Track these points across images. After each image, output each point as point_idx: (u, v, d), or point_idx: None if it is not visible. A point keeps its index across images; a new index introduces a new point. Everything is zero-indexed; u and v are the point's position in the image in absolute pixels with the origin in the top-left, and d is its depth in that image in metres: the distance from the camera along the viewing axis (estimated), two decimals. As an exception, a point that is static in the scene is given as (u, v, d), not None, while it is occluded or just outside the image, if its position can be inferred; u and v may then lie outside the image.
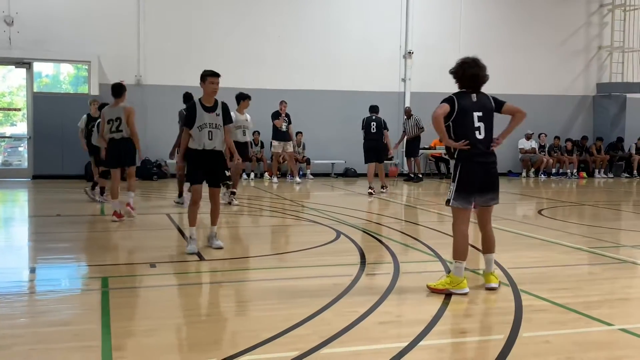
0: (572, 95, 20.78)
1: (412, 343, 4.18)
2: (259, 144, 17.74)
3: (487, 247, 5.77)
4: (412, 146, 17.46)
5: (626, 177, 20.26)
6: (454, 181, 5.48)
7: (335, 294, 5.37)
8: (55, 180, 15.71)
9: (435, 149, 18.74)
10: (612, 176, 20.24)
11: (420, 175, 17.59)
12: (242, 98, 12.14)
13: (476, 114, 5.42)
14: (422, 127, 17.23)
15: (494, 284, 5.60)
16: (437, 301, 5.17)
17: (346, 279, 5.88)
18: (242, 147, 10.95)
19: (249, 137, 12.04)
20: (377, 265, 6.62)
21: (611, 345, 4.27)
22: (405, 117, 17.57)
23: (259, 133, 17.37)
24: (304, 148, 17.92)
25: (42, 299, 5.46)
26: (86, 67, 17.00)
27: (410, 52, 19.00)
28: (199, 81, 7.47)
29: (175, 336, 4.35)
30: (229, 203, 11.35)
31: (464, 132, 5.41)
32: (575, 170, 19.95)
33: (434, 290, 5.39)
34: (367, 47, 18.60)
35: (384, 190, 13.87)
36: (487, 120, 5.47)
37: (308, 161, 17.83)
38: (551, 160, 19.66)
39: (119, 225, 9.19)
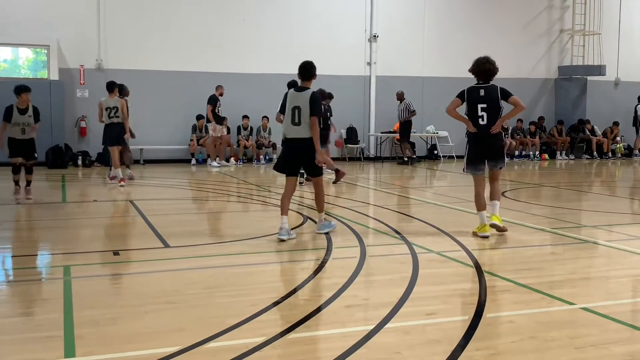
0: (534, 78, 21.05)
1: (378, 325, 4.20)
2: (267, 130, 17.66)
3: (493, 195, 7.38)
4: (404, 130, 17.47)
5: (587, 158, 20.67)
6: (465, 156, 7.42)
7: (302, 278, 5.37)
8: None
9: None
10: (574, 158, 20.63)
11: (415, 157, 17.73)
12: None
13: (480, 106, 7.12)
14: (414, 111, 17.31)
15: (496, 222, 7.17)
16: (403, 284, 5.20)
17: (313, 263, 5.89)
18: None
19: None
20: (343, 249, 6.63)
21: (573, 324, 4.36)
22: (397, 101, 17.54)
23: (267, 119, 17.38)
24: (270, 133, 17.83)
25: (1, 289, 5.34)
26: (45, 51, 16.57)
27: (375, 36, 18.98)
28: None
29: (139, 324, 4.29)
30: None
31: (470, 119, 7.22)
32: (537, 153, 20.27)
33: (474, 234, 7.18)
34: (333, 31, 18.52)
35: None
36: (492, 109, 7.12)
37: (274, 146, 17.75)
38: (514, 143, 19.94)
39: (81, 213, 9.04)
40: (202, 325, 4.20)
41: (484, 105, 7.12)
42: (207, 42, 17.38)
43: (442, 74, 19.15)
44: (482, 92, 7.15)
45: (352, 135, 19.02)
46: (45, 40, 16.16)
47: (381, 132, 19.09)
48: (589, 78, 21.11)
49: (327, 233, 7.28)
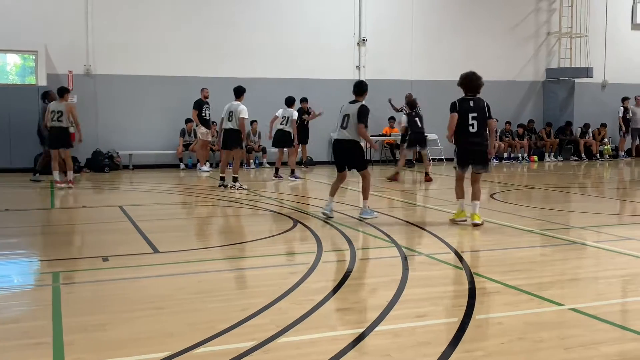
0: (522, 80, 21.16)
1: (368, 328, 4.21)
2: (257, 134, 17.68)
3: (474, 195, 8.23)
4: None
5: (575, 160, 20.80)
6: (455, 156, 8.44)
7: (292, 282, 5.37)
8: (3, 174, 15.22)
9: (390, 135, 18.86)
10: (562, 159, 20.75)
11: (413, 162, 17.78)
12: (244, 91, 12.52)
13: (471, 115, 8.02)
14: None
15: (477, 221, 7.97)
16: (393, 286, 5.21)
17: (303, 267, 5.88)
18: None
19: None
20: (333, 252, 6.63)
21: (562, 325, 4.38)
22: (406, 106, 16.46)
23: (257, 123, 17.51)
24: (259, 137, 17.81)
25: (-10, 296, 5.30)
26: (33, 57, 16.49)
27: (364, 40, 19.03)
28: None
29: (129, 330, 4.28)
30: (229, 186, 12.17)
31: (461, 127, 8.07)
32: (526, 155, 20.37)
33: (452, 220, 8.29)
34: (322, 35, 18.55)
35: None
36: (481, 119, 8.06)
37: (264, 150, 17.74)
38: (503, 145, 20.03)
39: (70, 219, 8.99)
40: (192, 331, 4.19)
41: (475, 114, 8.01)
42: (195, 46, 17.35)
43: (431, 77, 19.22)
44: (471, 103, 8.07)
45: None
46: (33, 46, 16.06)
47: (371, 136, 19.06)
48: (577, 80, 21.25)
49: (364, 220, 8.45)
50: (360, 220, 8.53)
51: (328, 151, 18.92)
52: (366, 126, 8.52)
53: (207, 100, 16.14)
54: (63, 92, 12.71)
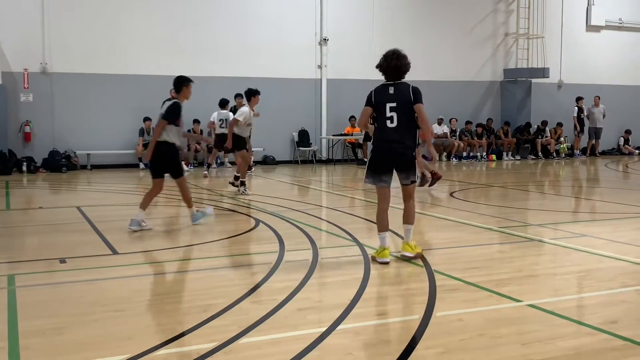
0: (480, 80, 21.49)
1: (330, 327, 4.21)
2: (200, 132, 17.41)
3: (406, 218, 6.27)
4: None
5: (532, 158, 21.21)
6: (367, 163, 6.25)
7: (254, 282, 5.35)
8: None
9: (352, 135, 18.93)
10: (519, 158, 21.14)
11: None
12: (253, 94, 11.57)
13: (389, 105, 6.00)
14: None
15: (408, 253, 6.12)
16: (354, 285, 5.24)
17: (265, 267, 5.86)
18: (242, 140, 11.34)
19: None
20: (296, 252, 6.62)
21: (521, 320, 4.46)
22: None
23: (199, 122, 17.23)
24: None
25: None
26: (-14, 54, 16.05)
27: (325, 39, 19.06)
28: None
29: (87, 333, 4.20)
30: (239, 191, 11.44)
31: (377, 122, 6.13)
32: (484, 153, 20.69)
33: (373, 259, 6.07)
34: (283, 34, 18.52)
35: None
36: (402, 110, 5.99)
37: (225, 149, 17.60)
38: (462, 144, 20.31)
39: (26, 220, 8.78)
40: (152, 333, 4.14)
41: (393, 105, 6.00)
42: (156, 44, 17.14)
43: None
44: (391, 90, 6.07)
45: (304, 138, 19.04)
46: (-15, 43, 15.66)
47: (333, 135, 19.17)
48: (533, 80, 21.68)
49: (198, 224, 8.04)
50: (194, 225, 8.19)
51: (291, 150, 18.92)
52: (173, 122, 7.77)
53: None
54: None
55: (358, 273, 5.65)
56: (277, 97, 18.14)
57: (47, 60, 16.28)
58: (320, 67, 19.23)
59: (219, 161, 17.64)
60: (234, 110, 14.70)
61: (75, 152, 16.40)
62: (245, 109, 11.37)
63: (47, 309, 4.74)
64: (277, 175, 15.80)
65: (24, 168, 15.70)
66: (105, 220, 8.66)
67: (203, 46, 17.64)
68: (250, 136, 11.97)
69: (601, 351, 3.87)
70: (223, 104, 15.10)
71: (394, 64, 6.08)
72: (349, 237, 7.35)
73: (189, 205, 8.26)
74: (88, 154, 16.55)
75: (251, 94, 11.49)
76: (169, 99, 8.21)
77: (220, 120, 14.75)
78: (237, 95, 14.77)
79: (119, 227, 8.18)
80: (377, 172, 6.07)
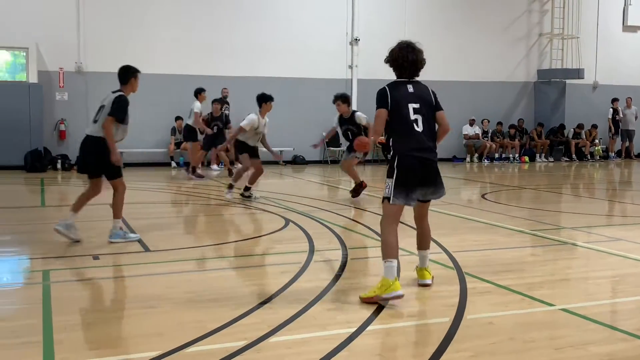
0: (514, 81, 21.24)
1: (360, 328, 4.21)
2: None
3: (423, 243, 5.41)
4: None
5: (566, 160, 20.90)
6: (390, 176, 4.94)
7: (284, 281, 5.36)
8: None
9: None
10: (553, 160, 20.84)
11: None
12: (265, 100, 10.54)
13: (412, 106, 4.98)
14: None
15: (427, 280, 5.31)
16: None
17: (295, 266, 5.88)
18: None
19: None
20: (325, 252, 6.63)
21: (552, 325, 4.40)
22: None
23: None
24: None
25: (-21, 294, 5.26)
26: (24, 53, 16.39)
27: (356, 39, 19.04)
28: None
29: (119, 329, 4.26)
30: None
31: (399, 126, 4.97)
32: (517, 155, 20.45)
33: (366, 301, 4.76)
34: (314, 34, 18.55)
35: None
36: (427, 113, 5.02)
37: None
38: (494, 146, 20.10)
39: (61, 217, 8.91)
40: (182, 330, 4.18)
41: (416, 106, 4.99)
42: (186, 45, 17.31)
43: (423, 77, 19.19)
44: (410, 89, 5.10)
45: (334, 138, 18.96)
46: (24, 43, 15.98)
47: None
48: (568, 81, 21.35)
49: (114, 242, 6.93)
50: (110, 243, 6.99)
51: (320, 150, 18.92)
52: (121, 120, 7.03)
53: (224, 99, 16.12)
54: None
55: (387, 274, 5.61)
56: (307, 97, 18.19)
57: (82, 60, 16.56)
58: (350, 67, 19.22)
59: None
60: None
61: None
62: (252, 117, 10.43)
63: (81, 305, 4.83)
64: (306, 175, 15.83)
65: (59, 165, 16.00)
66: (137, 217, 8.77)
67: (234, 47, 17.77)
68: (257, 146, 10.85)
69: (635, 358, 3.80)
70: (195, 93, 14.39)
71: (411, 57, 5.11)
72: (379, 238, 7.31)
73: (116, 216, 7.20)
74: (121, 152, 16.72)
75: (263, 100, 10.43)
76: (115, 91, 7.45)
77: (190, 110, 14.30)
78: (199, 91, 14.27)
79: (151, 224, 8.29)
80: (409, 188, 4.90)
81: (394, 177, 4.90)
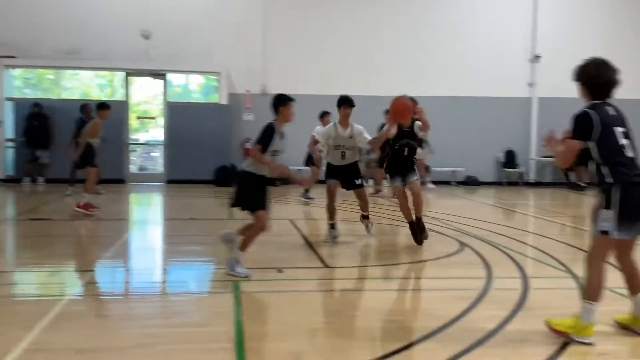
0: None
1: (545, 363, 4.03)
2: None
3: (635, 285, 4.73)
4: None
5: None
6: (608, 207, 4.39)
7: (462, 308, 5.27)
8: (187, 185, 16.48)
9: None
10: None
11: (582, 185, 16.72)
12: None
13: (620, 130, 4.51)
14: None
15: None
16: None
17: (473, 292, 5.76)
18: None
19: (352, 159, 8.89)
20: (504, 279, 6.42)
21: None
22: None
23: None
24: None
25: (176, 300, 5.75)
26: (216, 77, 17.83)
27: (537, 56, 18.31)
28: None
29: (308, 342, 4.44)
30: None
31: (609, 153, 4.46)
32: None
33: (554, 330, 4.55)
34: (492, 52, 18.15)
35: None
36: (631, 139, 4.54)
37: (428, 169, 17.62)
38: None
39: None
40: (359, 348, 4.28)
41: (624, 130, 4.54)
42: (363, 66, 17.75)
43: (620, 95, 17.96)
44: (611, 111, 4.61)
45: (510, 158, 18.41)
46: (216, 68, 17.41)
47: (542, 157, 18.28)
48: None
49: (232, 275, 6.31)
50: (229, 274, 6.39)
51: (495, 171, 18.35)
52: (264, 150, 6.61)
53: None
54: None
55: (574, 307, 5.30)
56: (482, 116, 17.81)
57: (266, 83, 17.62)
58: (531, 85, 18.51)
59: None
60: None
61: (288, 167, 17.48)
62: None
63: (269, 316, 5.12)
64: (479, 196, 15.44)
65: (244, 181, 17.03)
66: (316, 233, 9.10)
67: (410, 66, 17.89)
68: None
69: None
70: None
71: (609, 77, 4.64)
72: (562, 267, 6.95)
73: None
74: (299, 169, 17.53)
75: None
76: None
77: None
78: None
79: (329, 241, 8.53)
80: (634, 220, 4.42)
81: (618, 209, 4.37)
